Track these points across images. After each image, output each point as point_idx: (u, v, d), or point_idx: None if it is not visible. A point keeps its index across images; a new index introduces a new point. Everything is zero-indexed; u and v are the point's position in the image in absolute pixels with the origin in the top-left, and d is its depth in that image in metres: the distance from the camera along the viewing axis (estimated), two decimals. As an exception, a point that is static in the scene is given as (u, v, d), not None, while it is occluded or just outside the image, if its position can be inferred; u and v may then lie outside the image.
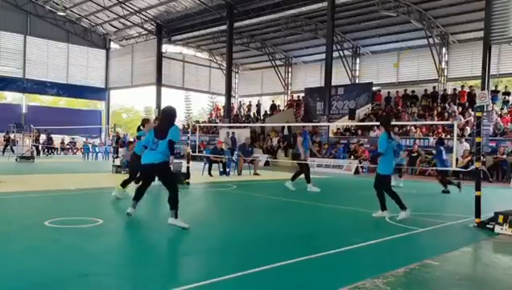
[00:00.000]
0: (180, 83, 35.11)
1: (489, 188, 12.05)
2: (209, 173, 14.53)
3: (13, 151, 24.91)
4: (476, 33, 21.83)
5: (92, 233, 5.54)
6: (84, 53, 34.59)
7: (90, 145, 27.19)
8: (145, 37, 32.72)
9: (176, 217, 5.83)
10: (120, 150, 19.51)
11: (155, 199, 8.94)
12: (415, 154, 17.93)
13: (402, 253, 5.02)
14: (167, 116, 6.19)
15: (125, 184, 8.37)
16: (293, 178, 10.80)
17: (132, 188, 7.61)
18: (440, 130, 18.93)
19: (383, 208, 7.05)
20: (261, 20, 25.18)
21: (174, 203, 5.88)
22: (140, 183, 6.47)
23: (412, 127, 19.66)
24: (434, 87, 23.27)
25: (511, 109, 19.39)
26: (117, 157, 19.07)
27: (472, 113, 17.36)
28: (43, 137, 28.68)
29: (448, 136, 17.98)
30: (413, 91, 24.01)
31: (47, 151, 28.12)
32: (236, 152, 16.76)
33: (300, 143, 10.65)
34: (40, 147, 27.37)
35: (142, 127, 8.88)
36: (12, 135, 27.21)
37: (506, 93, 20.64)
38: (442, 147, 11.98)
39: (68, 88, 34.00)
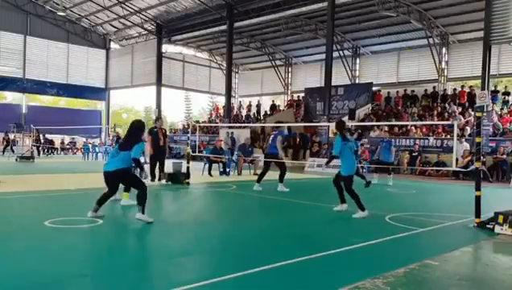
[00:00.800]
0: (180, 83, 35.11)
1: (489, 188, 12.04)
2: (209, 173, 14.52)
3: (13, 151, 24.91)
4: (476, 33, 21.83)
5: (92, 233, 5.54)
6: (84, 53, 34.58)
7: (90, 145, 27.19)
8: (145, 37, 32.72)
9: (143, 213, 5.98)
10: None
11: (154, 200, 8.95)
12: (416, 153, 17.99)
13: (402, 253, 5.02)
14: (133, 130, 6.38)
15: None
16: (259, 179, 10.65)
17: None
18: (440, 130, 18.94)
19: (342, 201, 7.54)
20: (261, 20, 25.17)
21: (142, 199, 6.01)
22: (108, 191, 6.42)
23: (412, 127, 19.66)
24: (434, 87, 23.26)
25: (511, 109, 19.39)
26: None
27: (472, 113, 17.37)
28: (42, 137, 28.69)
29: (448, 136, 17.99)
30: (413, 91, 24.02)
31: (47, 151, 28.12)
32: (236, 152, 16.77)
33: (280, 143, 10.62)
34: (40, 148, 27.37)
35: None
36: (12, 135, 27.20)
37: (506, 93, 20.64)
38: (359, 143, 12.49)
39: (68, 88, 33.99)
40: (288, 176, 10.94)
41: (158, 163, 11.77)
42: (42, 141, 28.14)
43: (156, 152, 11.73)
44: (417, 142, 18.46)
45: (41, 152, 26.87)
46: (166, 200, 9.48)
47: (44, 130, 28.45)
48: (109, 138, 29.90)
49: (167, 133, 16.25)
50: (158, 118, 13.14)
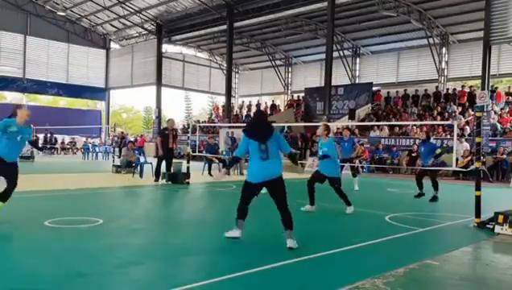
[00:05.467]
0: (180, 83, 35.10)
1: (489, 188, 12.04)
2: (209, 173, 14.52)
3: None
4: (476, 33, 21.81)
5: (92, 233, 5.54)
6: (84, 53, 34.55)
7: (90, 145, 27.17)
8: (145, 37, 32.70)
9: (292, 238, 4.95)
10: (122, 149, 19.55)
11: (155, 200, 8.95)
12: (415, 154, 17.97)
13: (402, 253, 5.02)
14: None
15: None
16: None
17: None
18: (440, 130, 18.93)
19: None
20: (261, 20, 25.15)
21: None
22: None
23: (413, 127, 19.65)
24: (436, 87, 23.23)
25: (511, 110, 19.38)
26: (119, 157, 19.02)
27: (472, 113, 17.37)
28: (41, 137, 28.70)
29: (448, 136, 17.99)
30: (416, 90, 23.96)
31: (49, 150, 28.12)
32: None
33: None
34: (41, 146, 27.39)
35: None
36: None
37: (509, 94, 20.63)
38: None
39: (68, 88, 33.95)
40: (288, 176, 10.91)
41: (165, 164, 11.74)
42: (53, 140, 28.35)
43: (165, 153, 11.72)
44: (417, 142, 18.45)
45: (54, 151, 27.13)
46: (166, 200, 9.48)
47: (51, 130, 28.58)
48: (109, 137, 29.90)
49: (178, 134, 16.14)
50: (170, 119, 13.17)
